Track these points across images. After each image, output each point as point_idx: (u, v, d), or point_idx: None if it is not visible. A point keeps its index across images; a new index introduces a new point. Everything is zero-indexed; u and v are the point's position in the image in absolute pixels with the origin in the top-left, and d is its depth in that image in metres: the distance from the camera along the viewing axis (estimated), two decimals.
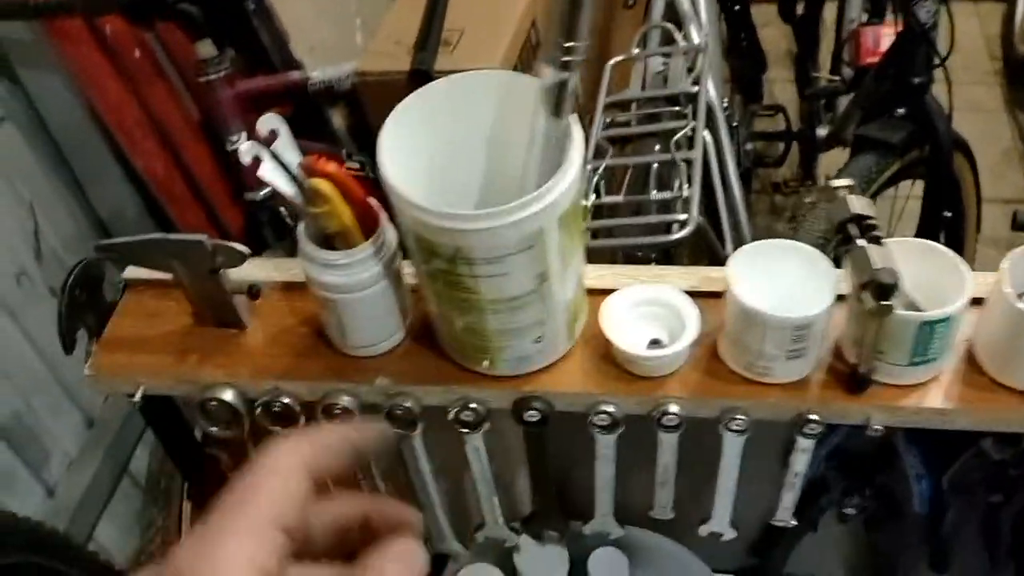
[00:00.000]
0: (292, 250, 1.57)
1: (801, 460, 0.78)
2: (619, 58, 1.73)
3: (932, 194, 1.65)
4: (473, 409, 0.77)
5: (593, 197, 1.36)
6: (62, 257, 1.57)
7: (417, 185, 0.65)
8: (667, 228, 1.42)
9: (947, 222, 1.64)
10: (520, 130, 0.69)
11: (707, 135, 1.53)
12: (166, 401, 0.86)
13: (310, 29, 1.79)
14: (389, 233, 0.72)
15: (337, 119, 1.78)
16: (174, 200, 1.60)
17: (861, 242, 0.67)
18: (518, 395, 0.76)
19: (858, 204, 0.69)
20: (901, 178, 1.59)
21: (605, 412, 0.75)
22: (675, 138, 1.49)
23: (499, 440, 0.83)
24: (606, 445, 0.79)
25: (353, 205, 0.69)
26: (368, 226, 0.71)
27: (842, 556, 1.06)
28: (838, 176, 1.50)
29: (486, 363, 0.75)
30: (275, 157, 0.68)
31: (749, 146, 2.17)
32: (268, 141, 0.68)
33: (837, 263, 0.72)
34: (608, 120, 1.49)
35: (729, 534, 0.89)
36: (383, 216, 0.72)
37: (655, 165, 1.46)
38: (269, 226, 1.58)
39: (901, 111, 1.53)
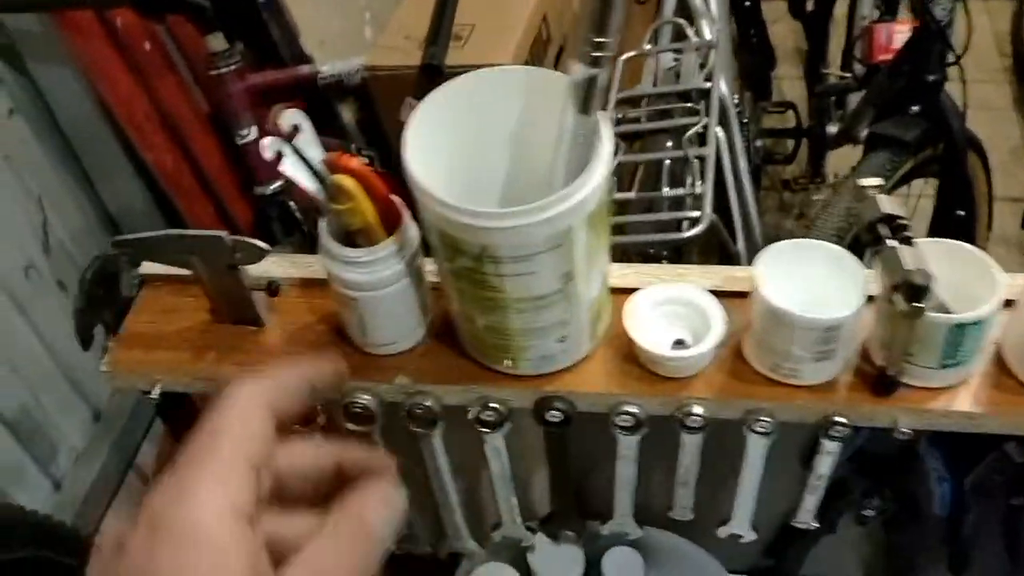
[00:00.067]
0: (301, 245, 1.57)
1: (826, 463, 0.77)
2: (631, 54, 1.72)
3: (945, 193, 1.64)
4: (494, 409, 0.76)
5: None
6: (70, 250, 1.56)
7: (440, 181, 0.64)
8: (678, 225, 1.42)
9: (960, 221, 1.63)
10: (545, 127, 0.68)
11: (720, 132, 1.52)
12: (183, 398, 0.85)
13: (319, 23, 1.77)
14: (411, 230, 0.71)
15: (346, 113, 1.77)
16: (183, 194, 1.59)
17: (892, 242, 0.66)
18: (540, 395, 0.75)
19: (888, 204, 0.68)
20: (914, 176, 1.58)
21: (628, 413, 0.74)
22: (687, 134, 1.49)
23: (517, 439, 0.82)
24: (628, 446, 0.78)
25: (376, 202, 0.68)
26: (390, 223, 0.70)
27: (859, 557, 1.05)
28: (852, 174, 1.49)
29: (508, 362, 0.75)
30: (297, 153, 0.67)
31: (759, 143, 2.16)
32: (290, 136, 0.67)
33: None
34: (619, 116, 1.48)
35: (749, 536, 0.88)
36: (406, 213, 0.71)
37: (667, 162, 1.45)
38: (278, 221, 1.57)
39: (915, 109, 1.52)
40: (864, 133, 1.89)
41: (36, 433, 1.50)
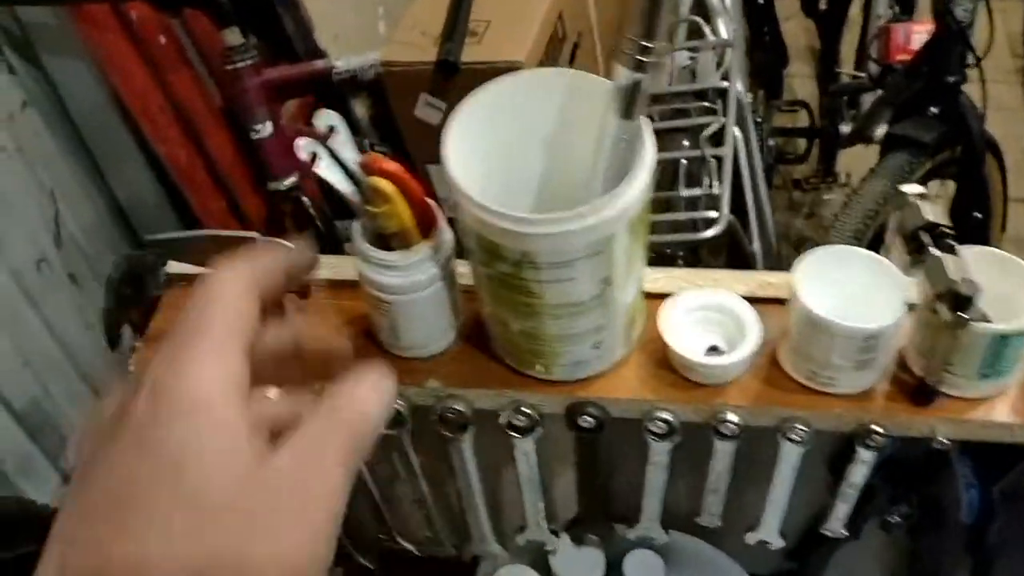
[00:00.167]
0: (314, 242, 1.56)
1: (860, 472, 0.77)
2: None
3: (963, 194, 1.63)
4: (526, 414, 0.75)
5: None
6: (81, 244, 1.55)
7: (477, 184, 0.63)
8: (695, 225, 1.41)
9: (976, 223, 1.62)
10: (584, 130, 0.67)
11: (737, 131, 1.52)
12: None
13: (334, 17, 1.76)
14: (446, 233, 0.71)
15: (359, 109, 1.76)
16: (195, 188, 1.58)
17: (935, 251, 0.65)
18: (572, 400, 0.74)
19: (932, 212, 0.67)
20: (931, 178, 1.57)
21: (662, 420, 0.74)
22: (704, 134, 1.48)
23: (544, 443, 0.81)
24: (660, 452, 0.78)
25: (412, 204, 0.67)
26: (425, 226, 0.69)
27: (882, 563, 1.04)
28: (870, 175, 1.48)
29: (540, 367, 0.74)
30: (332, 154, 0.66)
31: (771, 142, 2.15)
32: (326, 137, 0.66)
33: None
34: None
35: (777, 543, 0.88)
36: (440, 215, 0.70)
37: (684, 161, 1.44)
38: (291, 217, 1.56)
39: (934, 110, 1.51)
40: (878, 133, 1.89)
41: (46, 425, 1.49)
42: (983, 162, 1.56)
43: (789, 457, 0.76)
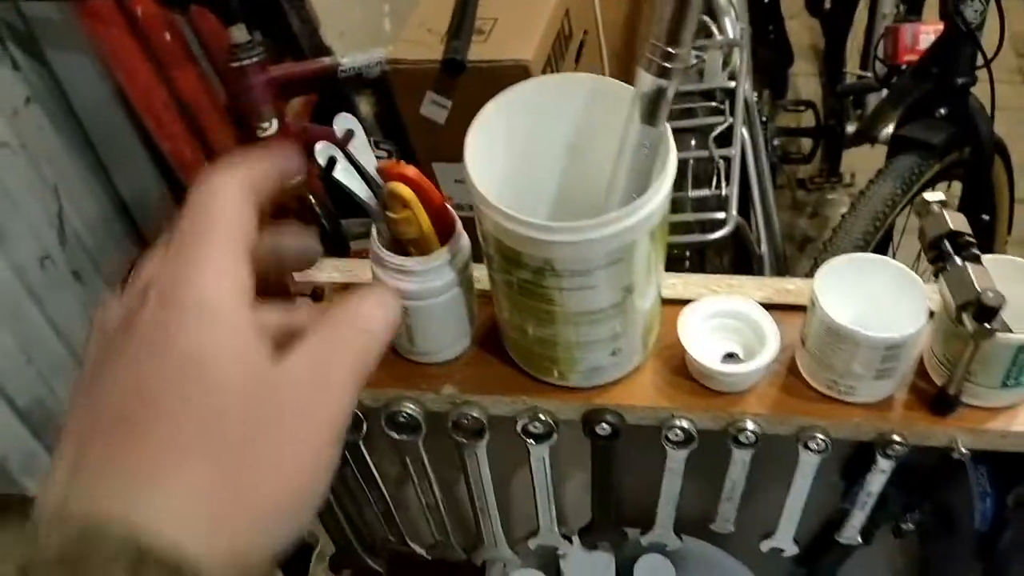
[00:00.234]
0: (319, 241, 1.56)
1: (879, 480, 0.76)
2: None
3: (970, 197, 1.62)
4: (542, 421, 0.74)
5: None
6: (85, 240, 1.55)
7: (495, 188, 0.63)
8: (702, 226, 1.40)
9: (984, 225, 1.62)
10: (604, 135, 0.66)
11: (745, 132, 1.51)
12: None
13: (339, 14, 1.75)
14: (464, 238, 0.70)
15: (364, 106, 1.76)
16: None
17: (958, 260, 0.65)
18: (589, 408, 0.74)
19: (954, 220, 0.67)
20: (939, 180, 1.56)
21: (680, 428, 0.73)
22: (713, 134, 1.47)
23: (558, 449, 0.81)
24: (677, 460, 0.77)
25: (430, 210, 0.67)
26: (443, 231, 0.69)
27: (892, 569, 1.04)
28: (877, 177, 1.48)
29: (557, 374, 0.73)
30: (350, 159, 0.65)
31: (775, 141, 2.14)
32: (344, 142, 0.65)
33: None
34: None
35: (791, 550, 0.87)
36: (459, 221, 0.69)
37: (691, 162, 1.44)
38: (297, 214, 1.55)
39: (942, 112, 1.50)
40: (884, 133, 1.88)
41: (49, 423, 1.48)
42: (992, 164, 1.56)
43: (807, 466, 0.75)
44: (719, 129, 1.47)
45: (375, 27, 1.92)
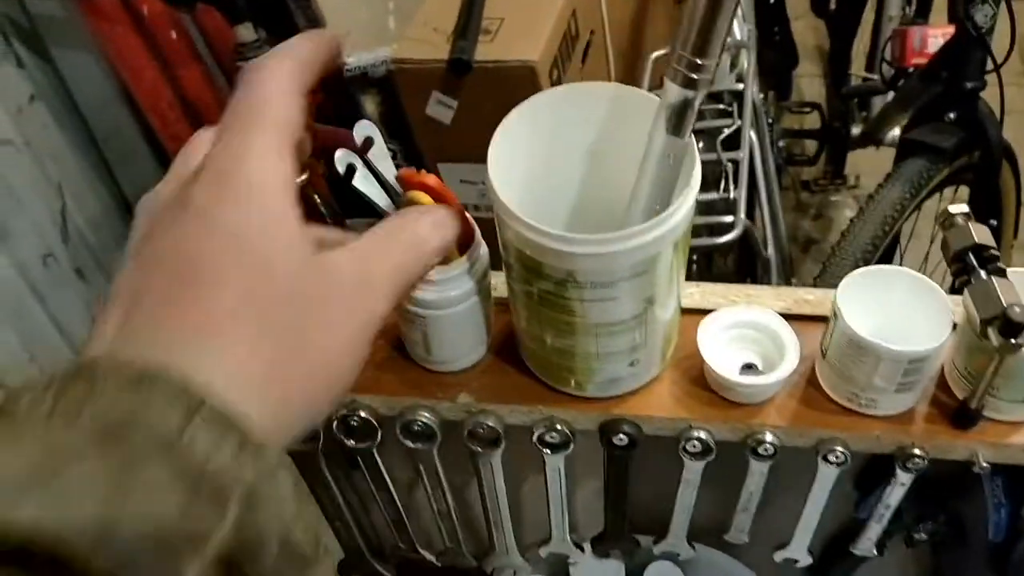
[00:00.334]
0: None
1: (898, 493, 0.75)
2: (660, 52, 1.70)
3: (977, 201, 1.62)
4: (559, 430, 0.74)
5: None
6: (88, 238, 1.54)
7: (515, 198, 0.62)
8: (710, 230, 1.40)
9: (991, 230, 1.61)
10: (626, 144, 0.65)
11: (752, 135, 1.50)
12: None
13: (344, 12, 1.74)
14: (483, 248, 0.69)
15: (368, 105, 1.74)
16: None
17: (983, 274, 0.64)
18: (607, 418, 0.73)
19: (979, 233, 0.66)
20: (947, 185, 1.56)
21: (697, 439, 0.72)
22: (720, 137, 1.47)
23: (573, 458, 0.80)
24: (693, 471, 0.76)
25: None
26: (462, 240, 0.68)
27: None
28: (886, 182, 1.47)
29: (574, 384, 0.72)
30: (370, 167, 0.64)
31: (781, 143, 2.14)
32: (364, 149, 0.64)
33: None
34: None
35: (806, 561, 0.87)
36: (478, 231, 0.68)
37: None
38: (302, 214, 1.54)
39: (951, 116, 1.50)
40: (889, 136, 1.88)
41: None
42: (1000, 169, 1.55)
43: (825, 478, 0.75)
44: (727, 132, 1.47)
45: (380, 26, 1.90)
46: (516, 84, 1.47)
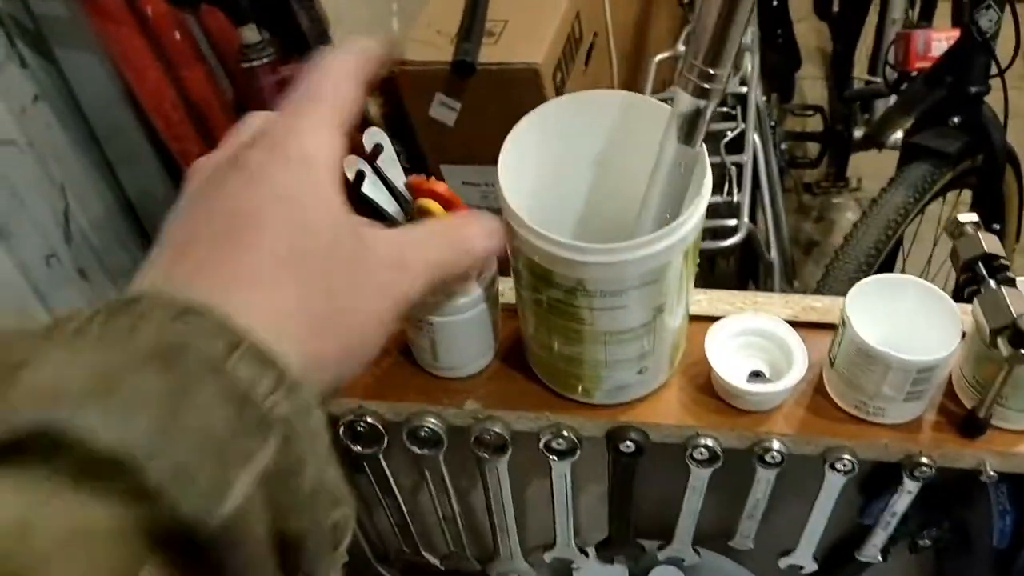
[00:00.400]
0: None
1: (904, 501, 0.76)
2: (664, 55, 1.70)
3: (981, 205, 1.62)
4: (566, 437, 0.74)
5: None
6: (91, 239, 1.53)
7: (525, 206, 0.62)
8: (714, 233, 1.40)
9: (994, 234, 1.61)
10: (636, 153, 0.65)
11: (756, 138, 1.50)
12: None
13: (347, 13, 1.74)
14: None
15: (371, 107, 1.74)
16: None
17: (993, 283, 0.64)
18: (614, 425, 0.73)
19: (988, 242, 0.66)
20: (950, 189, 1.56)
21: (704, 446, 0.72)
22: (724, 140, 1.47)
23: (579, 464, 0.80)
24: (700, 478, 0.76)
25: None
26: None
27: None
28: (889, 187, 1.47)
29: (582, 391, 0.72)
30: (379, 174, 0.64)
31: (783, 146, 2.13)
32: (373, 156, 0.64)
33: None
34: None
35: (811, 567, 0.87)
36: None
37: None
38: None
39: (955, 120, 1.50)
40: (892, 139, 1.88)
41: None
42: (1003, 173, 1.55)
43: (832, 486, 0.75)
44: (731, 135, 1.47)
45: (383, 28, 1.90)
46: (520, 86, 1.47)
